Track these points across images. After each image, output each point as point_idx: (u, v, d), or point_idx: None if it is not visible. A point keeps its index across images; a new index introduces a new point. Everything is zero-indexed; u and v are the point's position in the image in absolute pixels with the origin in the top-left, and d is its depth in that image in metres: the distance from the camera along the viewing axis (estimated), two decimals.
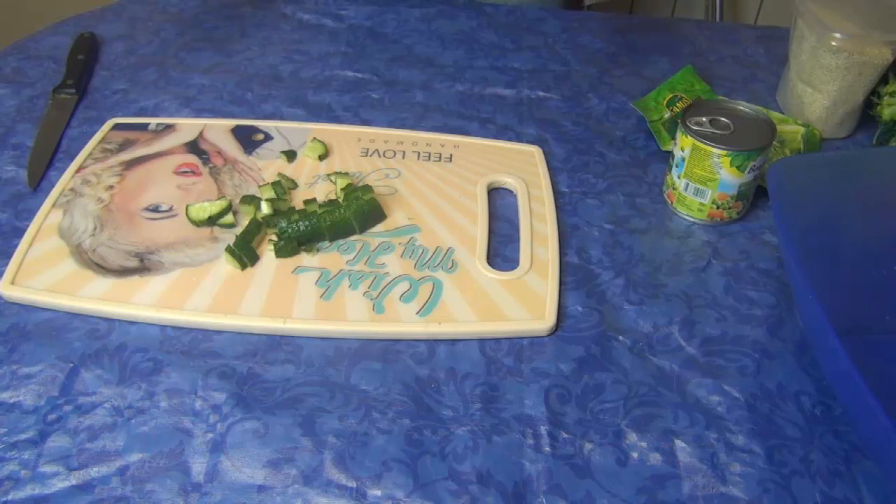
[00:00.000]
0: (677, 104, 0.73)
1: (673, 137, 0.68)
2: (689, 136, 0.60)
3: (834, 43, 0.67)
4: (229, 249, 0.57)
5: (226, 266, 0.57)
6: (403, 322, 0.54)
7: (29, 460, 0.46)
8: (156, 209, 0.62)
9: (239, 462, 0.46)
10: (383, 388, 0.50)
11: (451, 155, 0.69)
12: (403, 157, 0.68)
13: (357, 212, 0.60)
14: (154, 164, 0.66)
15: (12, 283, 0.55)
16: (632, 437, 0.48)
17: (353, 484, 0.45)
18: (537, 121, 0.75)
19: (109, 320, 0.54)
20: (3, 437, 0.47)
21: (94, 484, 0.45)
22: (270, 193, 0.62)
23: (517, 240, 0.61)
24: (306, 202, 0.61)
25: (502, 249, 0.61)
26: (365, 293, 0.56)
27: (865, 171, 0.57)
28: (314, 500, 0.45)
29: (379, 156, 0.68)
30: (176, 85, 0.77)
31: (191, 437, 0.47)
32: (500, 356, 0.53)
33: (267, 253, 0.58)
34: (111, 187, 0.64)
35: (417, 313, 0.54)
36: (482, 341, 0.54)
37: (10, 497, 0.44)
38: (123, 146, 0.68)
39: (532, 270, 0.58)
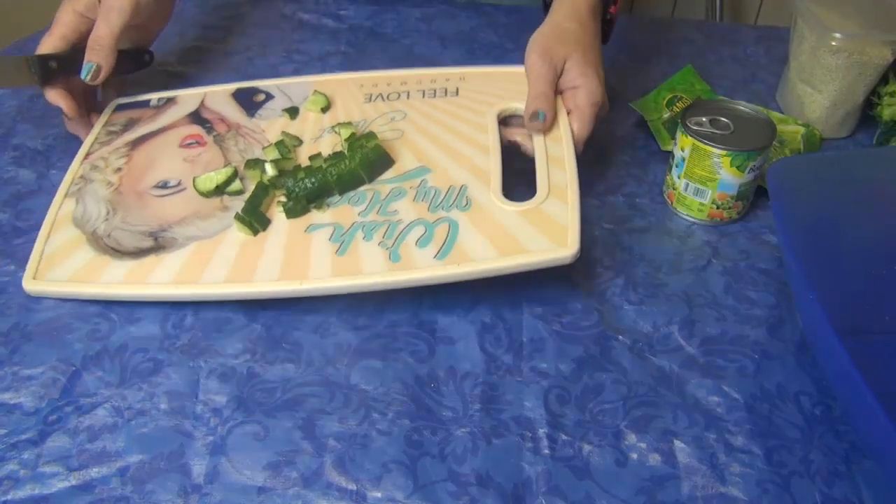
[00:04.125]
0: (677, 104, 0.73)
1: (673, 137, 0.68)
2: (689, 136, 0.60)
3: (834, 43, 0.67)
4: (238, 217, 0.56)
5: (238, 234, 0.56)
6: (421, 268, 0.52)
7: (29, 460, 0.46)
8: (164, 185, 0.61)
9: (239, 464, 0.46)
10: (383, 388, 0.50)
11: (456, 88, 0.67)
12: (408, 98, 0.67)
13: (363, 161, 0.58)
14: (158, 140, 0.66)
15: (34, 277, 0.55)
16: (631, 437, 0.48)
17: (353, 486, 0.45)
18: None
19: (110, 321, 0.54)
20: (3, 438, 0.47)
21: (95, 484, 0.45)
22: (275, 154, 0.61)
23: (532, 170, 0.58)
24: (311, 158, 0.60)
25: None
26: (380, 243, 0.54)
27: (865, 171, 0.57)
28: (314, 503, 0.45)
29: (383, 100, 0.67)
30: (176, 86, 0.77)
31: (191, 438, 0.47)
32: (499, 353, 0.53)
33: (278, 215, 0.57)
34: (119, 169, 0.63)
35: (435, 257, 0.52)
36: (482, 337, 0.54)
37: (9, 497, 0.44)
38: (127, 126, 0.67)
39: (550, 197, 0.56)
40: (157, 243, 0.56)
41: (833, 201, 0.55)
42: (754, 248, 0.62)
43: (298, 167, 0.60)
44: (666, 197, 0.66)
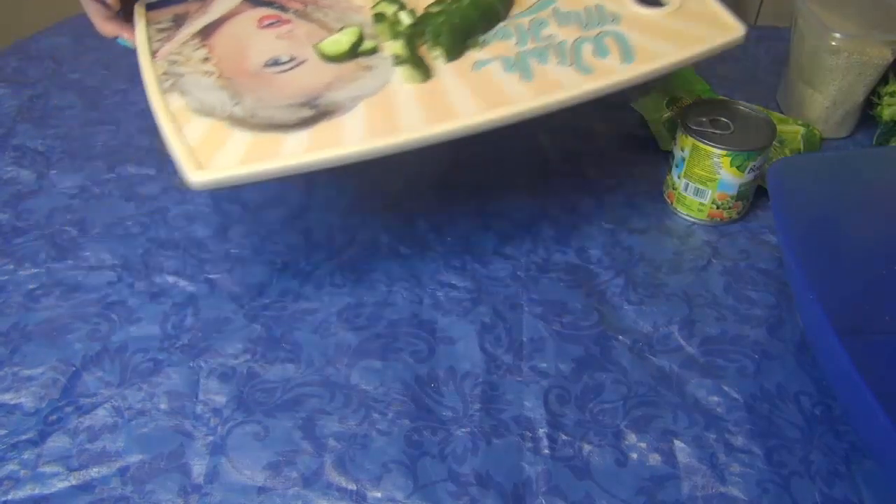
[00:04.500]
0: (677, 104, 0.73)
1: (673, 137, 0.68)
2: (689, 136, 0.60)
3: (834, 43, 0.67)
4: (409, 61, 0.53)
5: (404, 85, 0.53)
6: (616, 73, 0.51)
7: (29, 460, 0.46)
8: (276, 63, 0.55)
9: (239, 464, 0.46)
10: (383, 388, 0.50)
11: None
12: None
13: None
14: (229, 27, 0.59)
15: (199, 168, 0.47)
16: (631, 437, 0.48)
17: (353, 486, 0.45)
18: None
19: (110, 321, 0.54)
20: (3, 438, 0.47)
21: (95, 484, 0.45)
22: (392, 8, 0.58)
23: None
24: (432, 5, 0.57)
25: None
26: (558, 63, 0.53)
27: (865, 171, 0.57)
28: (314, 503, 0.45)
29: None
30: None
31: (191, 438, 0.47)
32: (499, 353, 0.53)
33: (433, 62, 0.55)
34: (207, 59, 0.56)
35: (622, 62, 0.52)
36: (482, 337, 0.54)
37: (9, 497, 0.44)
38: (178, 21, 0.60)
39: (685, 2, 0.56)
40: (320, 110, 0.51)
41: (833, 201, 0.55)
42: (754, 248, 0.62)
43: (429, 13, 0.57)
44: (666, 197, 0.66)
